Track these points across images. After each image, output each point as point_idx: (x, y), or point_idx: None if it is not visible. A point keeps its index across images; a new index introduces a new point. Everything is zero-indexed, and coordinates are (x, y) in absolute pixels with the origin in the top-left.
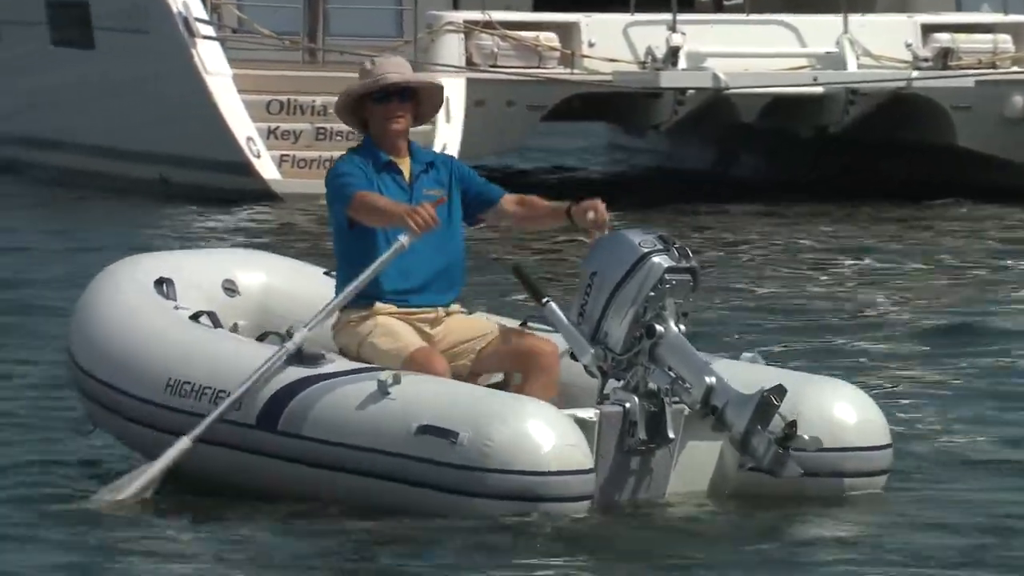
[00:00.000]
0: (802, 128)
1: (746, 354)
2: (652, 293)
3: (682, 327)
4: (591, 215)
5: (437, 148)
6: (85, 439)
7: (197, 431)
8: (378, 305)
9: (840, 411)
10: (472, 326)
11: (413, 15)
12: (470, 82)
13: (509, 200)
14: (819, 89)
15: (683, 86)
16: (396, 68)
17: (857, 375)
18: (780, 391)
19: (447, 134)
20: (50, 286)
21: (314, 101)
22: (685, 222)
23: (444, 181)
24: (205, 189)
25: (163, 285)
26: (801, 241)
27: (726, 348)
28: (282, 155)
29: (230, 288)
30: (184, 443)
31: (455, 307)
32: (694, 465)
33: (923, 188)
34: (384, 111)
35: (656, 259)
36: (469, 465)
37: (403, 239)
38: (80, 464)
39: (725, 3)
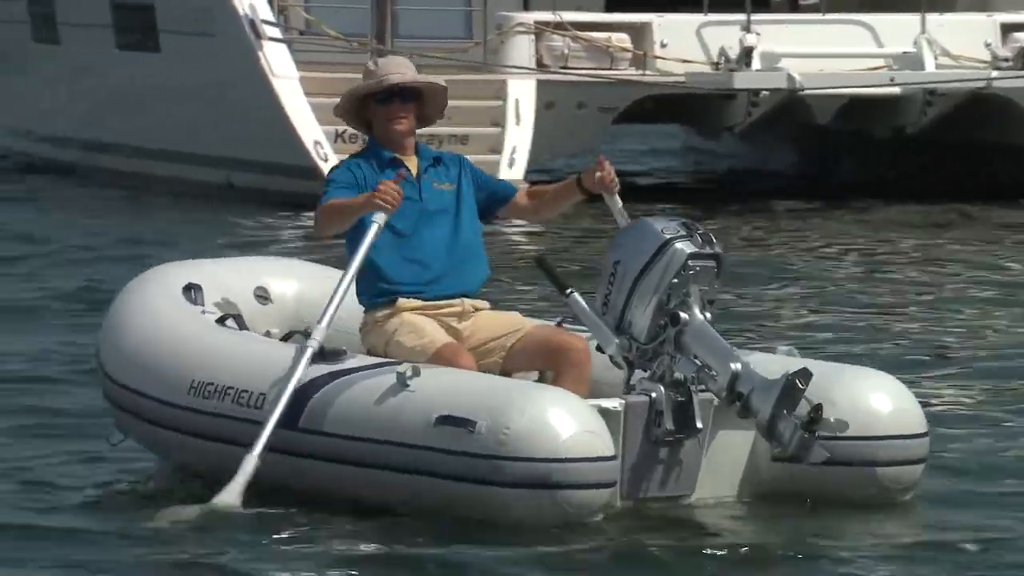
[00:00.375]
0: (879, 129)
1: (782, 347)
2: (675, 280)
3: (708, 314)
4: (598, 174)
5: (507, 151)
6: (114, 448)
7: (259, 445)
8: (401, 301)
9: (874, 399)
10: (503, 322)
11: (483, 16)
12: (540, 84)
13: (522, 195)
14: (896, 90)
15: (757, 87)
16: (399, 68)
17: (911, 376)
18: (805, 374)
19: (517, 136)
20: (111, 290)
21: None
22: (759, 223)
23: (453, 176)
24: (271, 193)
25: (191, 291)
26: (874, 242)
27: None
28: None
29: (262, 296)
30: (253, 460)
31: (484, 303)
32: (725, 458)
33: (1002, 189)
34: (387, 112)
35: (679, 245)
36: (487, 454)
37: (378, 220)
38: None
39: (800, 2)
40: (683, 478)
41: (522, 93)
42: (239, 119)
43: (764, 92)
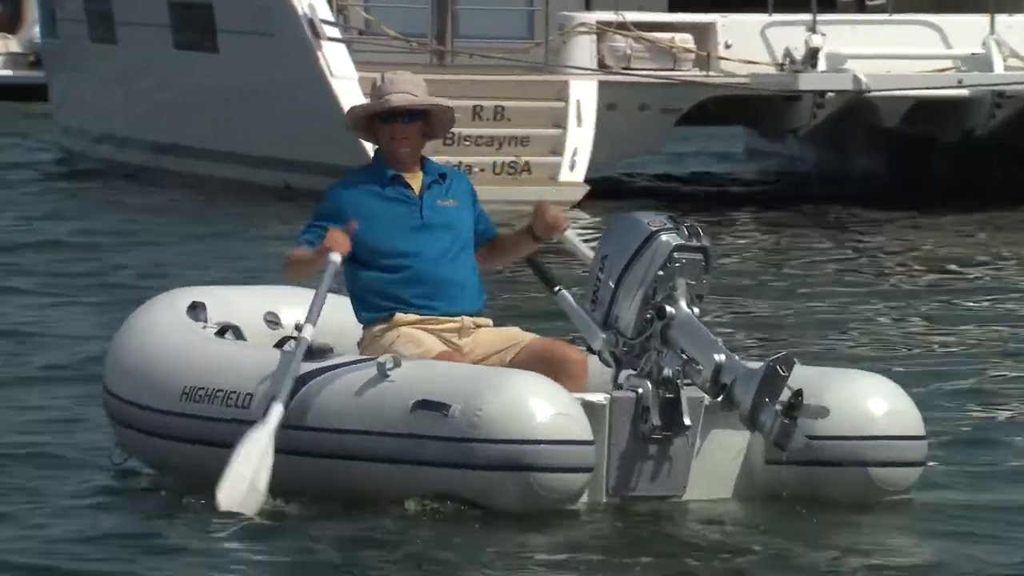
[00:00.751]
0: (947, 132)
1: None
2: (661, 272)
3: (696, 309)
4: (541, 222)
5: (567, 153)
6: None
7: (283, 395)
8: (399, 316)
9: (870, 401)
10: (503, 337)
11: (544, 16)
12: (602, 85)
13: (495, 240)
14: (964, 92)
15: (823, 89)
16: (402, 88)
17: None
18: (787, 361)
19: (578, 138)
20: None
21: None
22: (820, 227)
23: (457, 193)
24: None
25: (195, 309)
26: (938, 247)
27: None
28: None
29: (272, 320)
30: (278, 409)
31: (486, 321)
32: (719, 460)
33: None
34: (390, 132)
35: (664, 237)
36: (461, 437)
37: (335, 260)
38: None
39: (867, 3)
40: (672, 477)
41: (584, 94)
42: (297, 120)
43: (830, 94)
